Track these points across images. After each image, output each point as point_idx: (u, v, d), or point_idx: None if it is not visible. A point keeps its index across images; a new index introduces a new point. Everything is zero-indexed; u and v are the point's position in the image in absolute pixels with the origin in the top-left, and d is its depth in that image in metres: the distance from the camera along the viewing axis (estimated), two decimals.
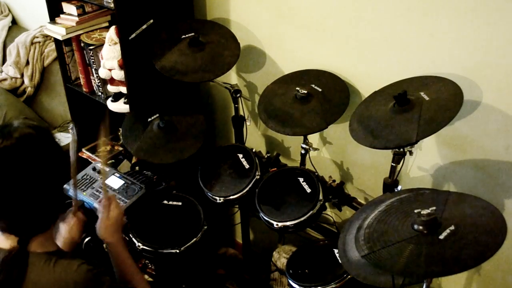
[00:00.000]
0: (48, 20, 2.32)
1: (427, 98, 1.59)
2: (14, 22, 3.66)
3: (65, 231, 1.60)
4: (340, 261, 1.51)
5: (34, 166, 1.24)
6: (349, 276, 1.72)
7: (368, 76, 1.89)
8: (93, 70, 2.33)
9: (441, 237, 1.23)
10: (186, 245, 1.89)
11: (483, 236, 1.23)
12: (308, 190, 1.85)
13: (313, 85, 1.90)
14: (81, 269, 1.27)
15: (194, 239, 1.92)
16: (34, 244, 1.29)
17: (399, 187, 1.72)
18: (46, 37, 3.22)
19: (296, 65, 2.05)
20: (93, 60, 2.29)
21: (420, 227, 1.27)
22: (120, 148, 2.60)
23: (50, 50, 3.20)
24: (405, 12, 1.69)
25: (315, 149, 2.00)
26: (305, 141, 1.97)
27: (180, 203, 2.04)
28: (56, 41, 2.41)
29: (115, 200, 1.66)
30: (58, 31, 2.27)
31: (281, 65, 2.16)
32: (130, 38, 2.05)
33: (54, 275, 1.26)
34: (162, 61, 2.00)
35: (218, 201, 1.97)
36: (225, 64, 2.02)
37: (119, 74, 2.15)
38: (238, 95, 2.13)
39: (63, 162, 1.34)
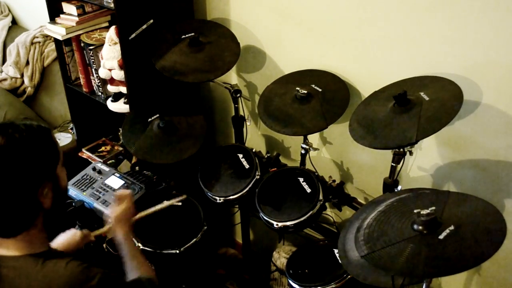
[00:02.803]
0: (48, 20, 2.33)
1: (427, 98, 1.59)
2: (14, 22, 3.66)
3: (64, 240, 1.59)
4: (340, 261, 1.51)
5: (13, 170, 1.20)
6: (349, 276, 1.72)
7: (368, 76, 1.89)
8: (93, 70, 2.33)
9: (441, 237, 1.23)
10: (186, 245, 1.89)
11: (483, 236, 1.23)
12: (308, 190, 1.85)
13: (313, 85, 1.90)
14: (70, 267, 1.25)
15: (194, 239, 1.92)
16: (15, 248, 1.26)
17: (399, 187, 1.72)
18: (46, 37, 3.22)
19: (296, 65, 2.05)
20: (93, 60, 2.29)
21: (420, 227, 1.27)
22: (120, 148, 2.61)
23: (50, 50, 3.20)
24: (405, 12, 1.69)
25: (315, 149, 2.00)
26: (305, 141, 1.97)
27: (180, 203, 2.04)
28: (56, 41, 2.41)
29: (130, 196, 1.66)
30: (58, 31, 2.28)
31: (281, 65, 2.16)
32: (130, 38, 2.05)
33: (43, 277, 1.23)
34: (162, 61, 2.00)
35: (218, 201, 1.97)
36: (225, 64, 2.02)
37: (119, 74, 2.15)
38: (238, 95, 2.13)
39: (27, 170, 1.23)
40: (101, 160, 2.46)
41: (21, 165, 1.21)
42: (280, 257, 2.23)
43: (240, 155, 2.07)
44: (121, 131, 2.36)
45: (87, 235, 1.65)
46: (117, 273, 1.45)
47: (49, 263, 1.25)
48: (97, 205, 1.97)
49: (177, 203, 1.85)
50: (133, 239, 1.63)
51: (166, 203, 1.79)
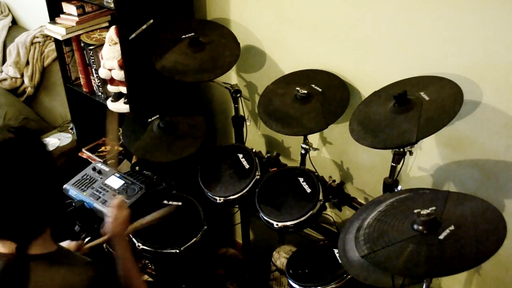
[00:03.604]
0: (48, 20, 2.33)
1: (427, 98, 1.59)
2: (14, 22, 3.66)
3: None
4: (340, 261, 1.51)
5: (20, 169, 1.18)
6: (349, 276, 1.72)
7: (368, 76, 1.89)
8: (93, 70, 2.33)
9: (441, 237, 1.23)
10: (186, 245, 1.89)
11: (483, 236, 1.24)
12: (308, 190, 1.85)
13: (313, 85, 1.90)
14: (86, 270, 1.25)
15: (194, 239, 1.92)
16: (34, 247, 1.25)
17: (399, 187, 1.72)
18: (46, 37, 3.22)
19: (296, 65, 2.05)
20: (93, 60, 2.29)
21: (420, 227, 1.27)
22: (120, 148, 2.60)
23: (50, 50, 3.20)
24: (405, 12, 1.69)
25: (315, 149, 2.00)
26: (305, 141, 1.97)
27: (180, 203, 2.04)
28: (56, 41, 2.41)
29: (121, 204, 1.63)
30: (58, 31, 2.28)
31: (281, 65, 2.16)
32: (130, 38, 2.05)
33: (59, 278, 1.22)
34: (162, 61, 2.00)
35: (218, 201, 1.97)
36: (225, 64, 2.02)
37: (119, 74, 2.15)
38: (238, 95, 2.13)
39: (50, 163, 1.26)
40: (101, 160, 2.46)
41: (40, 157, 1.23)
42: (280, 257, 2.23)
43: (240, 155, 2.07)
44: (121, 131, 2.36)
45: (81, 245, 1.64)
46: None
47: (65, 263, 1.26)
48: (97, 205, 1.97)
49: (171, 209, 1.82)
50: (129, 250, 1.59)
51: (160, 212, 1.75)
